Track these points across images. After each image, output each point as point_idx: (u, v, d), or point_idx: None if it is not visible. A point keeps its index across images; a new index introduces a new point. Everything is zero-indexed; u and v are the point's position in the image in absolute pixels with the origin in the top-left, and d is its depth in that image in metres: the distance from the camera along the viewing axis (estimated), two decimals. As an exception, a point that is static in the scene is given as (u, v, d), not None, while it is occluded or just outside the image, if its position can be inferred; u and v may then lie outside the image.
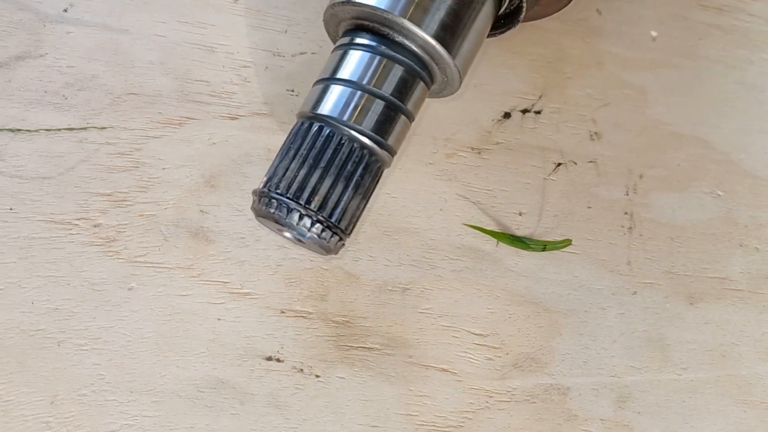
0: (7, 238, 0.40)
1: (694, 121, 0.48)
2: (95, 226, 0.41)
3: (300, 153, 0.36)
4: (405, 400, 0.41)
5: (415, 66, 0.38)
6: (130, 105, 0.43)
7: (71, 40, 0.43)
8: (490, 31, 0.40)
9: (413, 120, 0.38)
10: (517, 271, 0.44)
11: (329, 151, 0.36)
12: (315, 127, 0.37)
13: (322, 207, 0.36)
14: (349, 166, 0.36)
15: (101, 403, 0.39)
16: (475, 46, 0.39)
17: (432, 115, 0.45)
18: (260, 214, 0.37)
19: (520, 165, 0.45)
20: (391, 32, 0.37)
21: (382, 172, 0.38)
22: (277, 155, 0.37)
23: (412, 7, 0.37)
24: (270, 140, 0.43)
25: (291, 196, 0.36)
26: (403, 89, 0.38)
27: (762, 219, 0.47)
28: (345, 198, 0.36)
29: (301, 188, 0.36)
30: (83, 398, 0.39)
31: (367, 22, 0.38)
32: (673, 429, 0.43)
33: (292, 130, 0.37)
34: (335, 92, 0.37)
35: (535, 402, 0.42)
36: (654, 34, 0.49)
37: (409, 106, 0.38)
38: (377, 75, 0.37)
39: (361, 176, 0.37)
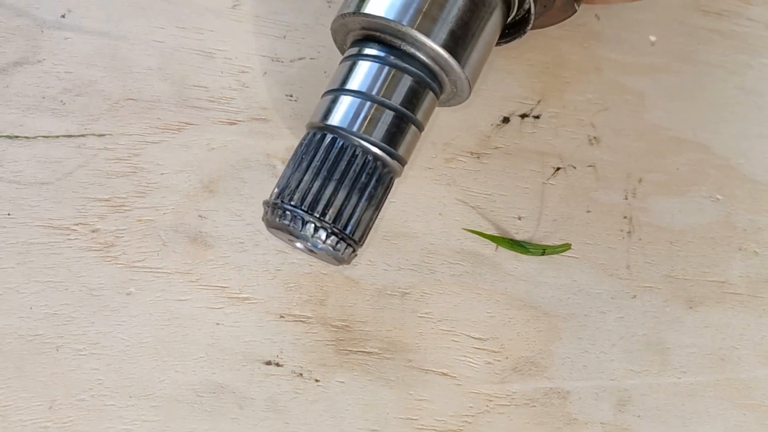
0: (6, 244, 0.40)
1: (693, 125, 0.48)
2: (93, 232, 0.41)
3: (313, 164, 0.36)
4: (404, 405, 0.41)
5: (425, 76, 0.38)
6: (128, 110, 0.43)
7: (69, 45, 0.43)
8: (498, 40, 0.40)
9: (423, 130, 0.38)
10: (516, 275, 0.44)
11: (343, 163, 0.36)
12: (328, 139, 0.36)
13: (337, 219, 0.36)
14: (363, 178, 0.36)
15: (100, 408, 0.39)
16: (484, 55, 0.39)
17: (431, 119, 0.45)
18: (272, 225, 0.37)
19: (519, 169, 0.45)
20: (400, 43, 0.37)
21: (393, 182, 0.38)
22: (287, 165, 0.37)
23: (421, 17, 0.37)
24: (269, 145, 0.43)
25: (306, 208, 0.36)
26: (413, 99, 0.38)
27: (761, 223, 0.47)
28: (359, 210, 0.36)
29: (316, 200, 0.36)
30: (82, 403, 0.39)
31: (376, 33, 0.38)
32: (673, 433, 0.43)
33: (303, 140, 0.37)
34: (345, 103, 0.37)
35: (534, 406, 0.42)
36: (653, 39, 0.49)
37: (419, 116, 0.38)
38: (387, 85, 0.37)
39: (375, 188, 0.37)
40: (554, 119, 0.46)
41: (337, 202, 0.36)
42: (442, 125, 0.45)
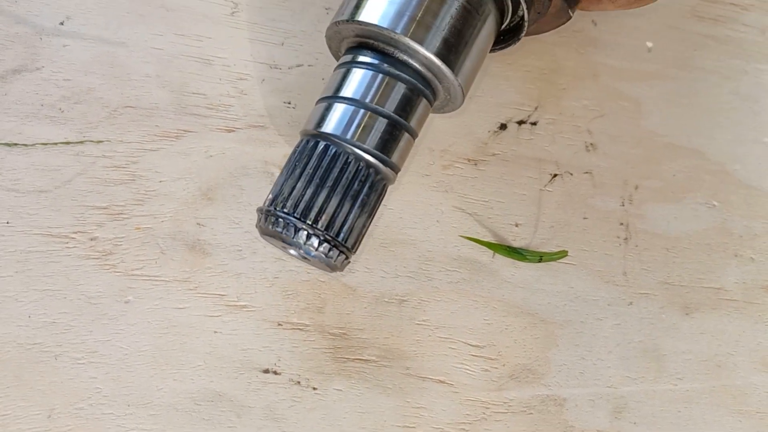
0: (4, 252, 0.40)
1: (689, 132, 0.48)
2: (92, 240, 0.41)
3: (306, 172, 0.36)
4: (402, 412, 0.41)
5: (418, 84, 0.38)
6: (126, 118, 0.43)
7: (68, 53, 0.43)
8: (492, 46, 0.41)
9: (416, 137, 0.39)
10: (513, 282, 0.44)
11: (336, 171, 0.36)
12: (321, 146, 0.37)
13: (329, 227, 0.36)
14: (355, 186, 0.36)
15: (98, 417, 0.39)
16: (478, 62, 0.39)
17: (428, 126, 0.45)
18: (266, 233, 0.37)
19: (516, 176, 0.45)
20: (393, 50, 0.37)
21: (386, 189, 0.38)
22: (281, 173, 0.37)
23: (414, 25, 0.37)
24: (267, 153, 0.43)
25: (298, 216, 0.36)
26: (407, 107, 0.38)
27: (757, 229, 0.47)
28: (351, 217, 0.36)
29: (309, 208, 0.36)
30: (80, 412, 0.39)
31: (370, 40, 0.38)
32: (669, 439, 0.43)
33: (297, 148, 0.37)
34: (338, 110, 0.37)
35: (531, 413, 0.42)
36: (649, 45, 0.49)
37: (413, 123, 0.38)
38: (380, 93, 0.37)
39: (367, 195, 0.37)
40: (551, 126, 0.47)
41: (330, 210, 0.36)
42: (439, 132, 0.45)
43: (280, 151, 0.43)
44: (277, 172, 0.43)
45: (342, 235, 0.36)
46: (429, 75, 0.38)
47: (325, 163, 0.36)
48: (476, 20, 0.38)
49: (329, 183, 0.36)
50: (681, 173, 0.47)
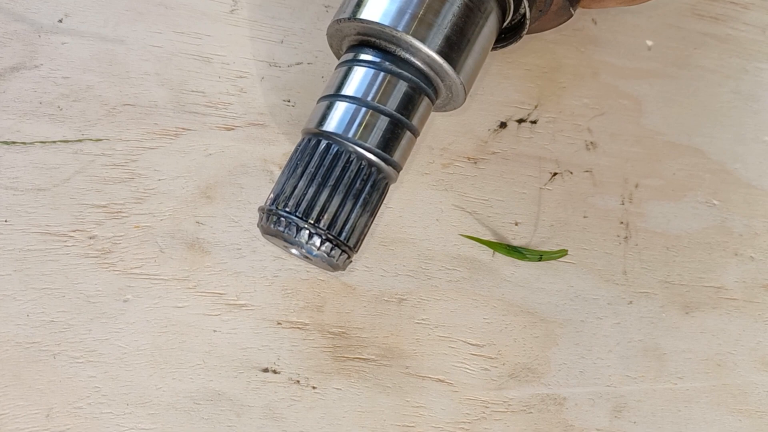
0: (2, 251, 0.40)
1: (689, 130, 0.48)
2: (90, 238, 0.41)
3: (308, 171, 0.36)
4: (401, 411, 0.41)
5: (420, 82, 0.38)
6: (125, 116, 0.43)
7: (66, 50, 0.43)
8: (493, 44, 0.40)
9: (418, 135, 0.38)
10: (513, 281, 0.44)
11: (338, 169, 0.36)
12: (323, 145, 0.36)
13: (331, 226, 0.36)
14: (357, 184, 0.36)
15: (97, 416, 0.39)
16: (479, 61, 0.39)
17: (428, 124, 0.45)
18: (267, 232, 0.37)
19: (516, 175, 0.45)
20: (395, 48, 0.37)
21: (388, 188, 0.38)
22: (283, 172, 0.37)
23: (416, 23, 0.37)
24: (266, 151, 0.43)
25: (300, 215, 0.36)
26: (408, 105, 0.37)
27: (757, 228, 0.47)
28: (353, 216, 0.36)
29: (311, 207, 0.36)
30: (79, 411, 0.39)
31: (371, 38, 0.38)
32: (668, 438, 0.43)
33: (298, 146, 0.37)
34: (340, 109, 0.37)
35: (531, 412, 0.42)
36: (649, 43, 0.49)
37: (414, 121, 0.38)
38: (382, 91, 0.37)
39: (369, 194, 0.37)
40: (551, 124, 0.46)
41: (332, 209, 0.36)
42: (439, 130, 0.45)
43: (280, 149, 0.43)
44: (276, 171, 0.43)
45: (344, 234, 0.36)
46: (431, 73, 0.38)
47: (327, 162, 0.36)
48: (478, 18, 0.38)
49: (331, 182, 0.36)
50: (681, 172, 0.47)
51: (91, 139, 0.42)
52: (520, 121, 0.46)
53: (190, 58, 0.44)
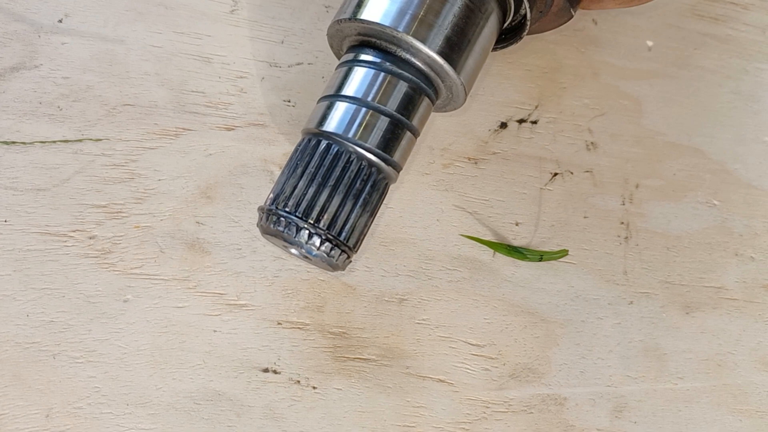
0: (2, 251, 0.40)
1: (689, 131, 0.48)
2: (90, 238, 0.41)
3: (308, 171, 0.36)
4: (402, 412, 0.41)
5: (420, 82, 0.38)
6: (125, 116, 0.43)
7: (66, 50, 0.43)
8: (494, 45, 0.40)
9: (418, 136, 0.38)
10: (513, 281, 0.44)
11: (338, 169, 0.36)
12: (323, 145, 0.36)
13: (331, 226, 0.36)
14: (357, 184, 0.36)
15: (97, 416, 0.39)
16: (480, 61, 0.39)
17: (429, 125, 0.45)
18: (267, 232, 0.37)
19: (517, 175, 0.45)
20: (396, 49, 0.37)
21: (388, 188, 0.38)
22: (282, 172, 0.37)
23: (417, 24, 0.37)
24: (266, 151, 0.43)
25: (300, 215, 0.36)
26: (408, 105, 0.37)
27: (757, 228, 0.47)
28: (353, 216, 0.36)
29: (310, 207, 0.36)
30: (79, 411, 0.39)
31: (372, 39, 0.38)
32: (669, 439, 0.43)
33: (298, 146, 0.37)
34: (340, 109, 0.37)
35: (532, 412, 0.42)
36: (650, 43, 0.49)
37: (415, 122, 0.38)
38: (382, 91, 0.37)
39: (369, 194, 0.37)
40: (551, 124, 0.46)
41: (332, 209, 0.36)
42: (440, 130, 0.45)
43: (280, 149, 0.43)
44: (276, 171, 0.43)
45: (344, 234, 0.36)
46: (431, 74, 0.38)
47: (327, 162, 0.36)
48: (479, 19, 0.38)
49: (331, 182, 0.36)
50: (681, 172, 0.47)
51: (91, 139, 0.42)
52: (521, 121, 0.46)
53: (190, 59, 0.44)
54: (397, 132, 0.37)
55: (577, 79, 0.47)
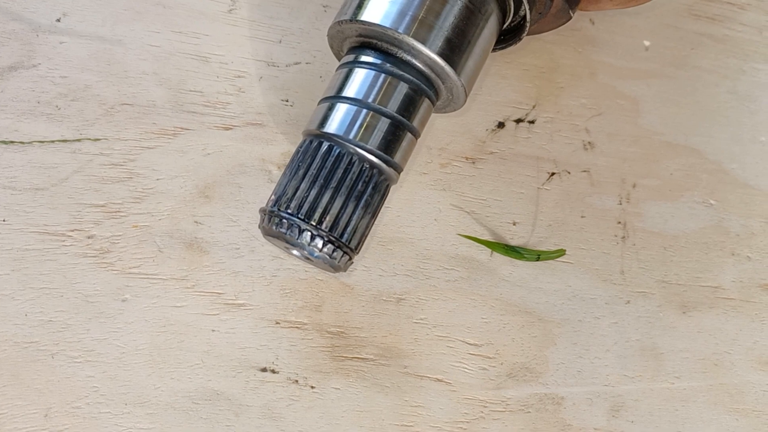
0: (1, 250, 0.40)
1: (686, 130, 0.48)
2: (89, 238, 0.41)
3: (310, 172, 0.36)
4: (400, 411, 0.41)
5: (421, 83, 0.38)
6: (123, 115, 0.43)
7: (64, 50, 0.43)
8: (493, 46, 0.41)
9: (419, 137, 0.39)
10: (511, 280, 0.44)
11: (339, 171, 0.36)
12: (324, 146, 0.36)
13: (333, 227, 0.36)
14: (359, 186, 0.36)
15: (95, 416, 0.39)
16: (480, 62, 0.39)
17: (427, 125, 0.45)
18: (269, 234, 0.37)
19: (514, 175, 0.45)
20: (396, 50, 0.37)
21: (389, 189, 0.38)
22: (284, 173, 0.37)
23: (417, 25, 0.37)
24: (264, 150, 0.43)
25: (302, 216, 0.36)
26: (409, 107, 0.38)
27: (753, 228, 0.47)
28: (355, 217, 0.36)
29: (313, 208, 0.36)
30: (77, 411, 0.39)
31: (372, 40, 0.38)
32: (666, 438, 0.43)
33: (299, 148, 0.37)
34: (341, 110, 0.37)
35: (529, 412, 0.42)
36: (647, 43, 0.49)
37: (415, 123, 0.38)
38: (383, 93, 0.37)
39: (371, 195, 0.37)
40: (549, 124, 0.47)
41: (334, 210, 0.36)
42: (437, 130, 0.45)
43: (278, 149, 0.43)
44: (275, 170, 0.43)
45: (346, 236, 0.36)
46: (432, 75, 0.38)
47: (329, 164, 0.36)
48: (479, 20, 0.38)
49: (333, 183, 0.36)
50: (678, 172, 0.47)
51: (89, 139, 0.42)
52: (518, 121, 0.46)
53: (189, 58, 0.44)
54: (397, 133, 0.37)
55: (575, 79, 0.48)
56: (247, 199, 0.42)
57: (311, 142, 0.37)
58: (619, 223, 0.46)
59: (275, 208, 0.36)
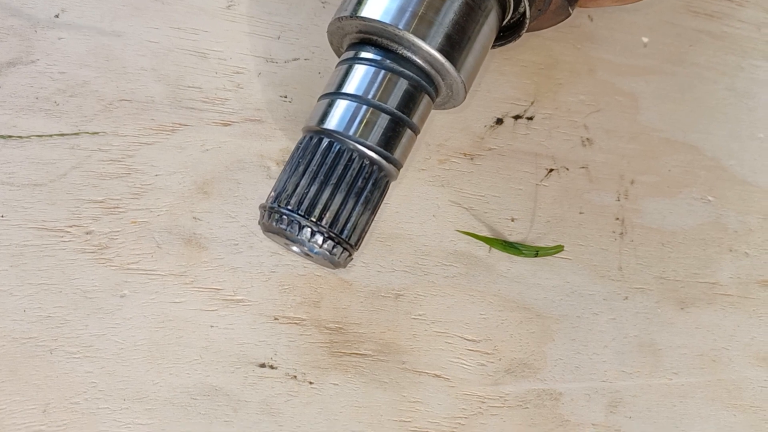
0: (-1, 246, 0.40)
1: (684, 127, 0.48)
2: (87, 233, 0.41)
3: (310, 169, 0.36)
4: (398, 407, 0.41)
5: (421, 80, 0.38)
6: (122, 111, 0.43)
7: (63, 45, 0.43)
8: (492, 42, 0.41)
9: (418, 133, 0.39)
10: (509, 276, 0.44)
11: (339, 167, 0.36)
12: (324, 143, 0.36)
13: (333, 223, 0.36)
14: (359, 182, 0.36)
15: (94, 411, 0.39)
16: (480, 59, 0.39)
17: (426, 122, 0.45)
18: (269, 230, 0.37)
19: (513, 171, 0.45)
20: (396, 46, 0.37)
21: (389, 186, 0.38)
22: (284, 170, 0.37)
23: (417, 21, 0.37)
24: (263, 146, 0.43)
25: (302, 213, 0.36)
26: (409, 103, 0.38)
27: (751, 224, 0.47)
28: (355, 213, 0.36)
29: (313, 204, 0.36)
30: (76, 406, 0.39)
31: (372, 36, 0.38)
32: (663, 434, 0.43)
33: (299, 144, 0.37)
34: (341, 107, 0.37)
35: (527, 407, 0.42)
36: (645, 40, 0.49)
37: (415, 119, 0.38)
38: (383, 89, 0.37)
39: (371, 192, 0.37)
40: (547, 120, 0.47)
41: (334, 207, 0.36)
42: (436, 126, 0.45)
43: (277, 145, 0.43)
44: (273, 166, 0.43)
45: (346, 232, 0.36)
46: (431, 71, 0.38)
47: (329, 160, 0.36)
48: (478, 16, 0.38)
49: (333, 180, 0.36)
50: (676, 168, 0.47)
51: (87, 134, 0.42)
52: (517, 117, 0.46)
53: (187, 54, 0.44)
54: (397, 130, 0.37)
55: (573, 76, 0.48)
56: (245, 195, 0.42)
57: (311, 138, 0.37)
58: (618, 219, 0.46)
59: (275, 205, 0.36)
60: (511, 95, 0.47)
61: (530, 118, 0.46)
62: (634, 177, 0.46)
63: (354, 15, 0.37)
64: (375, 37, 0.38)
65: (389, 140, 0.37)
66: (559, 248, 0.45)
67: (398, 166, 0.38)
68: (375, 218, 0.38)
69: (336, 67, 0.39)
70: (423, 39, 0.37)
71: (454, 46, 0.37)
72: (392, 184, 0.43)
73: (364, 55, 0.38)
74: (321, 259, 0.37)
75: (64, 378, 0.39)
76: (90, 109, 0.42)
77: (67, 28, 0.43)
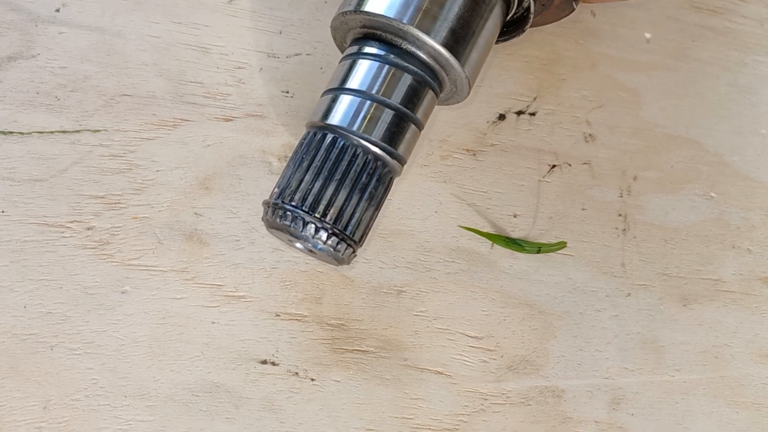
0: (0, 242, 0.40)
1: (687, 123, 0.48)
2: (88, 229, 0.41)
3: (314, 164, 0.36)
4: (400, 403, 0.41)
5: (425, 75, 0.37)
6: (123, 106, 0.42)
7: (64, 40, 0.43)
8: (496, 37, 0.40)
9: (422, 129, 0.38)
10: (511, 273, 0.44)
11: (344, 163, 0.36)
12: (328, 138, 0.36)
13: (337, 220, 0.36)
14: (363, 178, 0.36)
15: (94, 408, 0.39)
16: (484, 54, 0.39)
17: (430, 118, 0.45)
18: (272, 226, 0.37)
19: (515, 167, 0.45)
20: (401, 41, 0.37)
21: (393, 182, 0.38)
22: (288, 165, 0.37)
23: (421, 16, 0.36)
24: (265, 142, 0.43)
25: (306, 209, 0.35)
26: (413, 98, 0.37)
27: (754, 220, 0.47)
28: (359, 210, 0.36)
29: (317, 201, 0.36)
30: (76, 403, 0.39)
31: (376, 31, 0.37)
32: (666, 430, 0.43)
33: (303, 140, 0.37)
34: (345, 102, 0.37)
35: (529, 404, 0.42)
36: (648, 35, 0.49)
37: (419, 115, 0.38)
38: (387, 84, 0.37)
39: (375, 188, 0.37)
40: (550, 116, 0.46)
41: (338, 203, 0.36)
42: (438, 122, 0.45)
43: (278, 140, 0.43)
44: (275, 162, 0.43)
45: (350, 228, 0.36)
46: (436, 66, 0.38)
47: (333, 156, 0.36)
48: (483, 11, 0.38)
49: (337, 176, 0.36)
50: (679, 164, 0.47)
51: (88, 130, 0.42)
52: (519, 113, 0.46)
53: (189, 49, 0.44)
54: (401, 125, 0.37)
55: (576, 71, 0.47)
56: (247, 190, 0.42)
57: (315, 134, 0.37)
58: (620, 215, 0.46)
59: (279, 201, 0.36)
60: (513, 91, 0.46)
61: (533, 114, 0.46)
62: (637, 173, 0.46)
63: (358, 10, 0.37)
64: (379, 32, 0.37)
65: (393, 136, 0.37)
66: (561, 245, 0.44)
67: (402, 161, 0.38)
68: (378, 214, 0.38)
69: (339, 62, 0.38)
70: (427, 34, 0.37)
71: (459, 40, 0.37)
72: (395, 180, 0.43)
73: (368, 50, 0.37)
74: (325, 255, 0.37)
75: (65, 374, 0.39)
76: (91, 104, 0.42)
77: (68, 23, 0.43)
